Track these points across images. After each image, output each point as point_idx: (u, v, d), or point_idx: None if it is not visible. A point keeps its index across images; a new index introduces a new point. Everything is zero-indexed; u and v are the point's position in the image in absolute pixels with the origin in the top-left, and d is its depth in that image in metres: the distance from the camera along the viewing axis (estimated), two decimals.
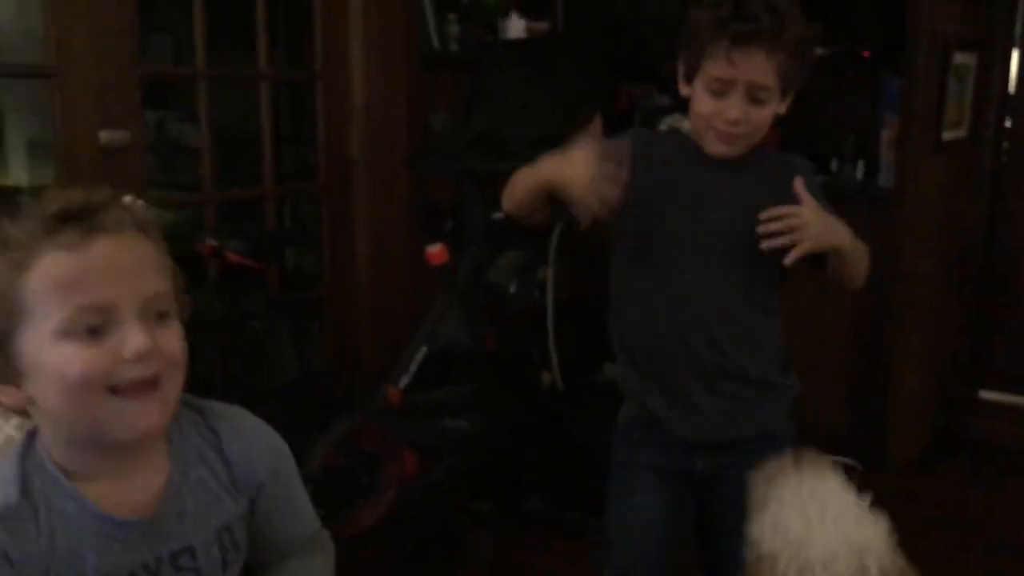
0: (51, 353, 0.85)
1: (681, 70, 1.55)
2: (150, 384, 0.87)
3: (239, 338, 2.15)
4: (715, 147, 1.50)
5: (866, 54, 2.97)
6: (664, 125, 3.20)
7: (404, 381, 2.37)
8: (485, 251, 2.56)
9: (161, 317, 0.89)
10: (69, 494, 0.90)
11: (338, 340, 2.98)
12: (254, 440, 1.02)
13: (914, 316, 2.98)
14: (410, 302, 2.96)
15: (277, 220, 2.91)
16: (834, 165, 3.13)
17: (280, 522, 1.05)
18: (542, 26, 3.41)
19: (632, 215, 1.52)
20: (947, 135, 2.92)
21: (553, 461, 2.68)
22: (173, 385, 0.90)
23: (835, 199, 3.07)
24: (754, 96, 1.45)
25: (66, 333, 0.84)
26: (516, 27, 3.32)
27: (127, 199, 0.94)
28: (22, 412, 0.94)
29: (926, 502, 2.79)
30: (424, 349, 2.37)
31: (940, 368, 3.29)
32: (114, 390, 0.86)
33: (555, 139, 2.48)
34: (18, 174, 4.31)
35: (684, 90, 1.55)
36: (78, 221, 0.86)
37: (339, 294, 2.97)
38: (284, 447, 1.06)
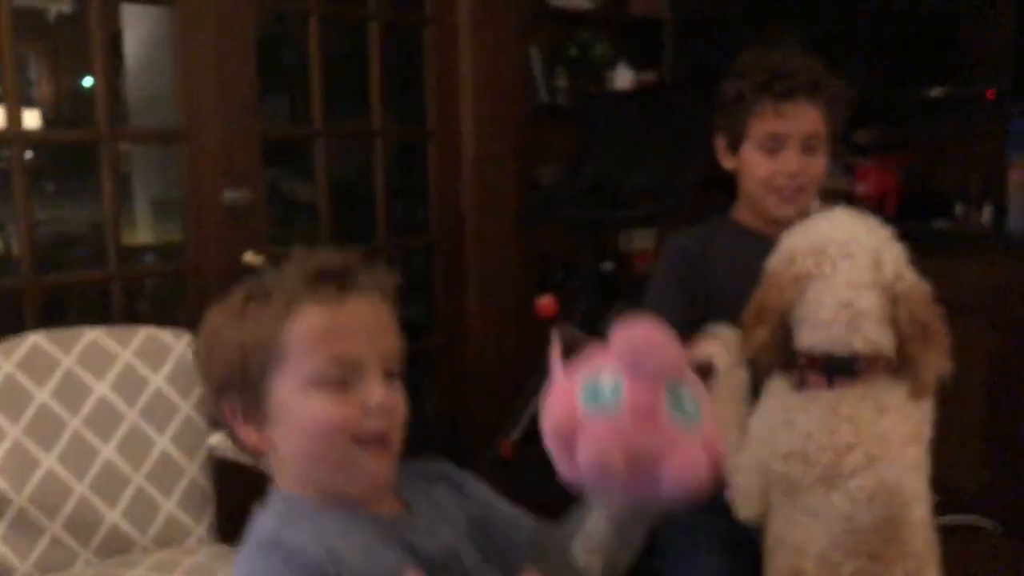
0: (302, 400, 0.92)
1: (723, 143, 1.61)
2: (384, 439, 0.93)
3: None
4: (779, 210, 1.54)
5: (991, 94, 2.86)
6: None
7: (515, 434, 2.35)
8: (595, 302, 2.54)
9: (391, 375, 0.96)
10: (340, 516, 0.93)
11: (448, 389, 3.00)
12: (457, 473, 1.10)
13: None
14: (520, 353, 2.96)
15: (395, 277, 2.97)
16: (958, 209, 3.00)
17: (508, 515, 1.10)
18: (650, 77, 3.42)
19: (709, 311, 1.51)
20: None
21: (663, 524, 2.62)
22: (397, 441, 0.96)
23: (960, 244, 2.97)
24: (807, 146, 1.51)
25: (317, 382, 0.91)
26: (624, 78, 3.33)
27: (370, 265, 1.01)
28: (256, 454, 0.98)
29: None
30: (536, 401, 2.35)
31: None
32: (356, 440, 0.92)
33: (663, 189, 2.48)
34: (144, 232, 4.55)
35: (729, 163, 1.61)
36: (335, 280, 0.94)
37: (450, 344, 2.99)
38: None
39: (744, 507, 1.25)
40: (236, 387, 0.95)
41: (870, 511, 1.13)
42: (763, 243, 1.52)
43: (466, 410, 3.00)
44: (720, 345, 1.30)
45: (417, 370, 3.05)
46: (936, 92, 3.00)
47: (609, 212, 2.61)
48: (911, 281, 1.19)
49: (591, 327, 2.48)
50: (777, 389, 1.23)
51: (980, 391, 2.79)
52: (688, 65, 3.33)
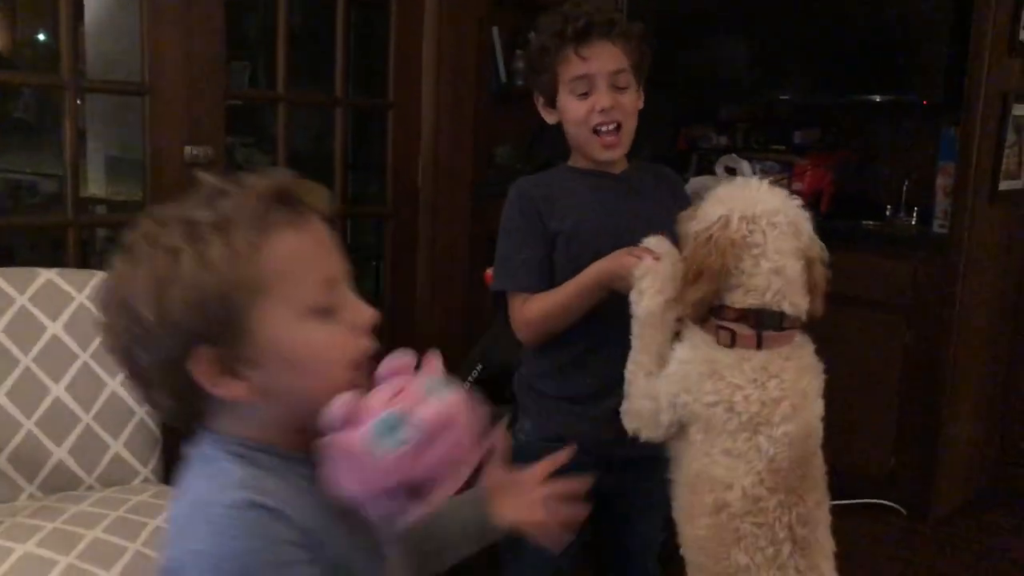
0: (300, 332, 0.83)
1: (541, 100, 1.66)
2: (372, 359, 0.87)
3: None
4: (603, 153, 1.60)
5: (925, 103, 3.01)
6: (720, 165, 3.27)
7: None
8: None
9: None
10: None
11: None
12: None
13: (967, 364, 2.97)
14: (467, 324, 3.05)
15: (343, 240, 3.02)
16: (888, 211, 3.16)
17: None
18: None
19: (561, 248, 1.60)
20: (1004, 186, 2.93)
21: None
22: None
23: (886, 244, 3.11)
24: (615, 84, 1.57)
25: (311, 311, 0.84)
26: None
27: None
28: (232, 404, 0.86)
29: (968, 551, 2.77)
30: (479, 367, 2.44)
31: (995, 418, 3.25)
32: (355, 367, 0.87)
33: None
34: (96, 187, 4.52)
35: (550, 117, 1.65)
36: (293, 200, 0.85)
37: (399, 314, 3.07)
38: None
39: (647, 430, 1.40)
40: (210, 337, 0.82)
41: (790, 452, 1.30)
42: (604, 179, 1.63)
43: None
44: (661, 247, 1.43)
45: None
46: (875, 98, 3.14)
47: None
48: (818, 246, 1.37)
49: None
50: (701, 343, 1.35)
51: (893, 383, 2.95)
52: None
